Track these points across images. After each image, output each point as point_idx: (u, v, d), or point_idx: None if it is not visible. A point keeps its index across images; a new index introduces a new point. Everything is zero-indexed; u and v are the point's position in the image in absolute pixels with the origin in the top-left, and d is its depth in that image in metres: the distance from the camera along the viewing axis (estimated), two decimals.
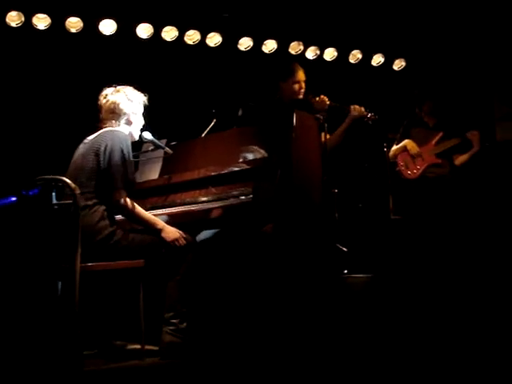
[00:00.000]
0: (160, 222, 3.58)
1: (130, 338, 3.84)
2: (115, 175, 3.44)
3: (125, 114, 3.62)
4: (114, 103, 3.60)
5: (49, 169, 3.68)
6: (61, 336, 3.33)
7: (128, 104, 3.63)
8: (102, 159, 3.46)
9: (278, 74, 4.70)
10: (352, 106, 4.65)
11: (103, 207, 3.45)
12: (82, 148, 3.64)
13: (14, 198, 3.27)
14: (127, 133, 3.64)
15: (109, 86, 3.68)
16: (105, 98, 3.64)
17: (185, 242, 3.54)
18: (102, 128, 3.62)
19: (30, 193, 3.19)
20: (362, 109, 4.65)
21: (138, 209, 3.54)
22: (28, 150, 5.20)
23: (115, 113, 3.61)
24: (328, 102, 4.49)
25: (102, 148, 3.47)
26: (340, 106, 4.59)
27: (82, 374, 3.12)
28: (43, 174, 3.52)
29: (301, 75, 4.66)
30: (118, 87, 3.66)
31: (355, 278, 4.45)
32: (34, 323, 3.67)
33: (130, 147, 3.57)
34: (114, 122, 3.61)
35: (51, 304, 3.44)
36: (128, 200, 3.49)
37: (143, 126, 3.83)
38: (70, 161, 3.66)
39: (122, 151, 3.47)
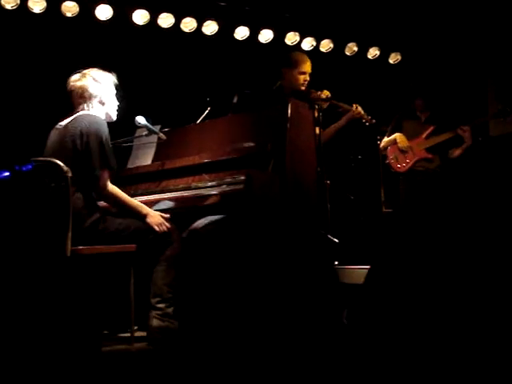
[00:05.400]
0: (144, 207, 3.55)
1: (119, 324, 3.83)
2: (94, 160, 3.39)
3: (95, 96, 3.57)
4: (81, 88, 3.56)
5: (35, 149, 3.65)
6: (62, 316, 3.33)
7: (96, 86, 3.58)
8: (78, 143, 3.40)
9: (285, 61, 4.68)
10: (354, 105, 4.67)
11: (84, 192, 3.42)
12: (56, 133, 3.58)
13: (6, 173, 3.24)
14: (103, 115, 3.60)
15: (75, 72, 3.64)
16: (72, 84, 3.59)
17: (168, 226, 3.53)
18: (75, 113, 3.58)
19: (24, 168, 3.16)
20: (363, 111, 4.69)
21: (121, 194, 3.51)
22: (19, 127, 5.20)
23: (85, 97, 3.56)
24: (330, 98, 4.50)
25: (78, 132, 3.41)
26: (341, 105, 4.62)
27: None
28: (34, 149, 3.51)
29: (308, 66, 4.66)
30: (84, 71, 3.62)
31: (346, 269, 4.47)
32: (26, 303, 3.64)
33: (107, 131, 3.51)
34: (85, 105, 3.57)
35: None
36: (110, 185, 3.46)
37: (139, 110, 3.83)
38: (45, 145, 3.63)
39: (100, 135, 3.42)
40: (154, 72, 5.75)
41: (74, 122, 3.50)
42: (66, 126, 3.52)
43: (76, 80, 3.59)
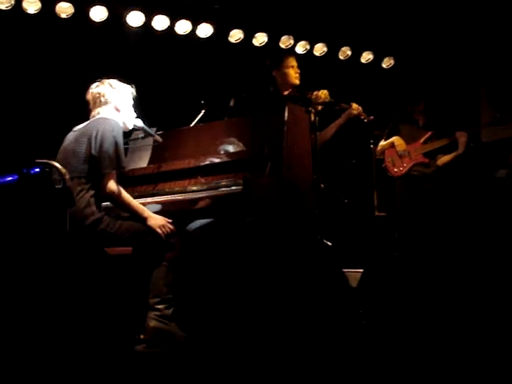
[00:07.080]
0: (146, 211, 3.59)
1: (115, 326, 3.81)
2: (105, 160, 3.48)
3: (111, 102, 3.70)
4: (99, 93, 3.70)
5: (41, 152, 3.67)
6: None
7: (113, 92, 3.71)
8: (93, 144, 3.50)
9: (271, 64, 4.75)
10: (352, 104, 4.68)
11: (91, 193, 3.50)
12: (72, 135, 3.69)
13: (11, 178, 3.24)
14: (120, 121, 3.67)
15: (95, 81, 3.77)
16: (91, 91, 3.73)
17: (171, 228, 3.55)
18: (91, 118, 3.70)
19: (31, 171, 3.17)
20: (361, 108, 4.70)
21: (126, 196, 3.57)
22: (17, 131, 5.19)
23: (101, 102, 3.69)
24: (328, 98, 4.50)
25: (94, 134, 3.52)
26: (339, 104, 4.61)
27: None
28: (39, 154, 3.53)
29: (294, 60, 4.73)
30: (103, 80, 3.76)
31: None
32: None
33: (122, 135, 3.61)
34: (101, 109, 3.69)
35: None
36: (116, 186, 3.51)
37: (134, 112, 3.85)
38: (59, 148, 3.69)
39: (114, 138, 3.52)
40: (148, 74, 5.73)
41: (90, 124, 3.63)
42: (83, 128, 3.64)
43: (94, 87, 3.73)
